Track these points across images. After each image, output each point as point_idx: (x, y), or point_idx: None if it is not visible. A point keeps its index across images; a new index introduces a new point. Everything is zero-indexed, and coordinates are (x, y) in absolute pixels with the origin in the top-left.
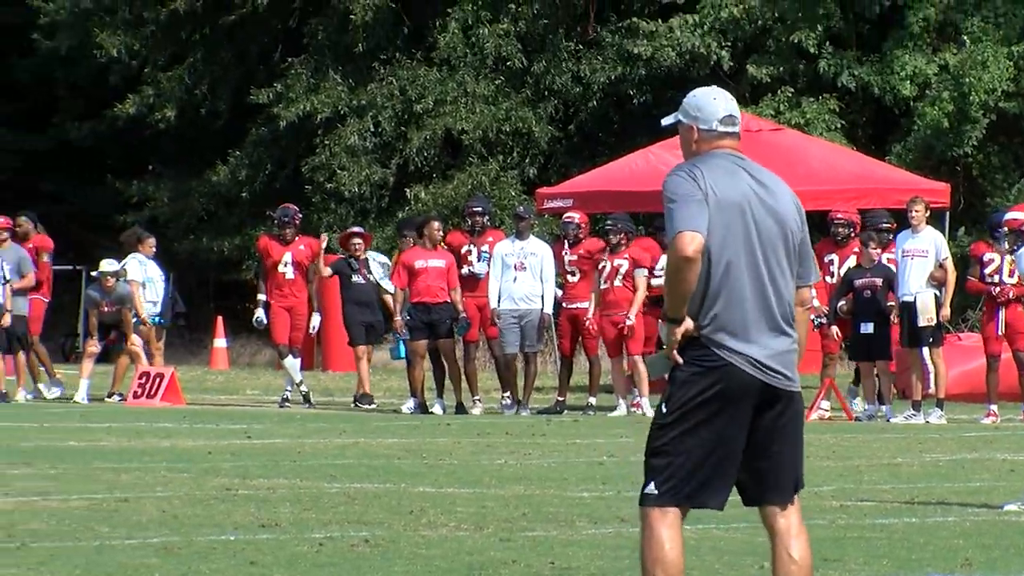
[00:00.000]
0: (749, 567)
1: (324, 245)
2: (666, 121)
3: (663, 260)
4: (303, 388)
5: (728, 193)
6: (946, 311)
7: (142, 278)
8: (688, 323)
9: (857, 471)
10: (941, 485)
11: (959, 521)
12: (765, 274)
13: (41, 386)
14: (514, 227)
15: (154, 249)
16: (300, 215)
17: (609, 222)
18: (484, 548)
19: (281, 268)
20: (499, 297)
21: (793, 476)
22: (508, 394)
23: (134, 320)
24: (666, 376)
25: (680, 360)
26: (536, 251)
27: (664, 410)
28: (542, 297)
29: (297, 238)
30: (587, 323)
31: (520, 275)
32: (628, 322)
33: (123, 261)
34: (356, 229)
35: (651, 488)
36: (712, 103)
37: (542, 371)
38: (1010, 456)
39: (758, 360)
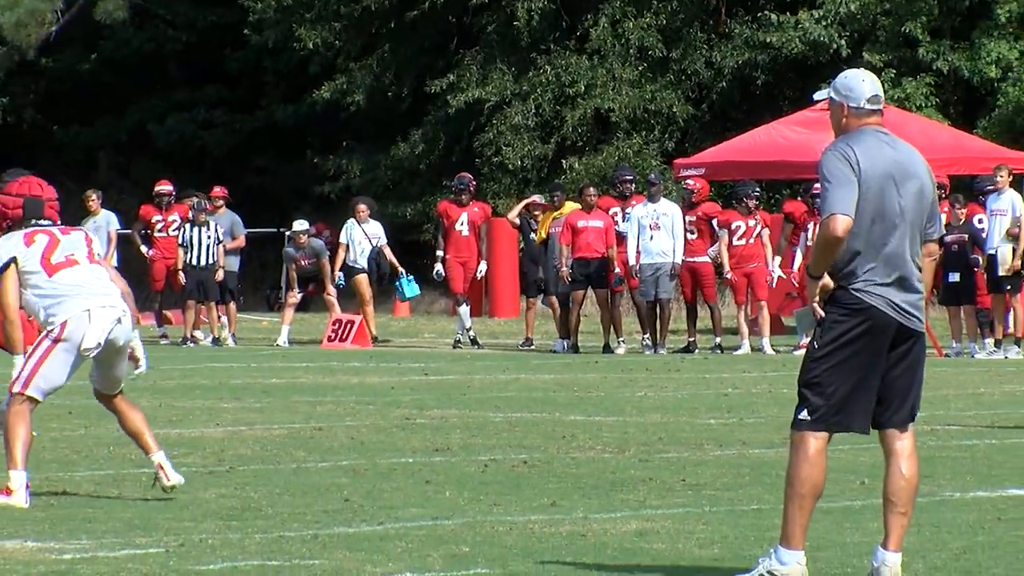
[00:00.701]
0: (851, 483)
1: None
2: (819, 96)
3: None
4: (471, 332)
5: (877, 165)
6: (1018, 262)
7: (345, 240)
8: (827, 280)
9: (945, 400)
10: (1018, 411)
11: None
12: (904, 233)
13: (198, 332)
14: (647, 192)
15: (366, 214)
16: (475, 183)
17: (747, 189)
18: (625, 468)
19: (458, 227)
20: (638, 254)
21: (912, 405)
22: (647, 336)
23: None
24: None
25: (822, 313)
26: (667, 212)
27: (816, 346)
28: (674, 251)
29: (472, 202)
30: (727, 275)
31: (655, 233)
32: (776, 274)
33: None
34: (538, 200)
35: (804, 414)
36: (861, 84)
37: (674, 316)
38: None
39: (896, 303)
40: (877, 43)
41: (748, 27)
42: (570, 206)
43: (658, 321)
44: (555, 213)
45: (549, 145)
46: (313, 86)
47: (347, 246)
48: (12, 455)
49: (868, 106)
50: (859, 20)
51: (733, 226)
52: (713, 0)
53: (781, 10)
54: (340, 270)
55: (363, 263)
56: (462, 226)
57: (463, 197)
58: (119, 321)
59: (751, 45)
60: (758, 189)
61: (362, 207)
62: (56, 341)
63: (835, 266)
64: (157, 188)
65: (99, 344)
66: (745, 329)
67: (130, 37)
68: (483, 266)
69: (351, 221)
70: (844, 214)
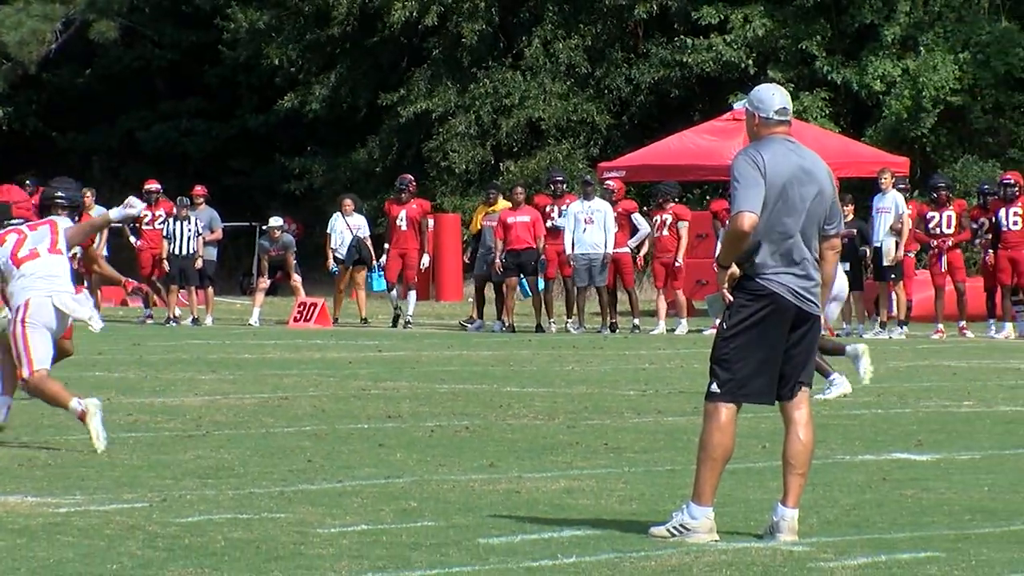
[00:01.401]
0: (754, 447)
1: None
2: (737, 105)
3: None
4: (397, 311)
5: (781, 169)
6: (900, 253)
7: (330, 230)
8: (735, 269)
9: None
10: (901, 385)
11: (914, 412)
12: (804, 229)
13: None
14: (582, 191)
15: (351, 208)
16: (414, 183)
17: (664, 188)
18: (555, 433)
19: (398, 222)
20: (572, 245)
21: (807, 378)
22: (575, 319)
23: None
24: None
25: (731, 298)
26: (600, 208)
27: (725, 327)
28: (605, 243)
29: (411, 200)
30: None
31: (589, 227)
32: (677, 264)
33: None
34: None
35: (715, 387)
36: (771, 97)
37: (591, 299)
38: (952, 363)
39: (795, 290)
40: (779, 62)
41: (664, 48)
42: (503, 203)
43: (594, 304)
44: (488, 209)
45: (487, 150)
46: (279, 97)
47: (330, 235)
48: (61, 400)
49: (776, 117)
50: (764, 42)
51: (654, 220)
52: (632, 23)
53: (694, 34)
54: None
55: (343, 252)
56: (401, 221)
57: (403, 195)
58: (63, 303)
59: (666, 64)
60: (676, 187)
61: (348, 201)
62: (22, 322)
63: (742, 256)
64: (146, 187)
65: (53, 321)
66: (662, 311)
67: (121, 54)
68: (426, 259)
69: (337, 214)
70: (751, 211)
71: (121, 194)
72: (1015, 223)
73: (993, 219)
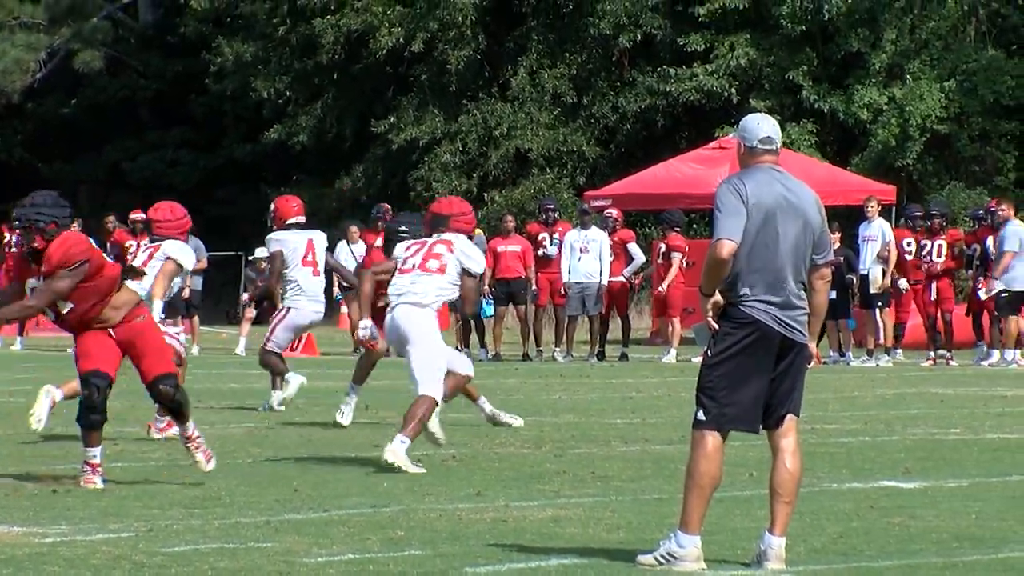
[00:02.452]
0: (741, 475)
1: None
2: (731, 135)
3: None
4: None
5: (764, 199)
6: (887, 281)
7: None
8: (718, 297)
9: (824, 402)
10: (888, 412)
11: (901, 439)
12: (787, 258)
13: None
14: (579, 220)
15: (357, 235)
16: (390, 212)
17: (662, 216)
18: (542, 462)
19: (374, 251)
20: (568, 273)
21: (795, 407)
22: (563, 347)
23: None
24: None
25: (716, 326)
26: (596, 238)
27: (711, 354)
28: (600, 273)
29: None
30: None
31: (584, 256)
32: (660, 289)
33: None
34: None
35: (701, 415)
36: (757, 127)
37: (581, 326)
38: (940, 390)
39: (780, 318)
40: (763, 91)
41: (649, 76)
42: (477, 232)
43: (585, 333)
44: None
45: (473, 180)
46: (266, 128)
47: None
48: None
49: (761, 146)
50: (748, 72)
51: (657, 248)
52: (617, 53)
53: (678, 63)
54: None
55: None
56: (378, 248)
57: (378, 224)
58: None
59: (652, 92)
60: (678, 215)
61: (353, 229)
62: None
63: (726, 285)
64: (131, 216)
65: None
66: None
67: (106, 84)
68: None
69: (342, 242)
70: (730, 239)
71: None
72: None
73: (981, 246)
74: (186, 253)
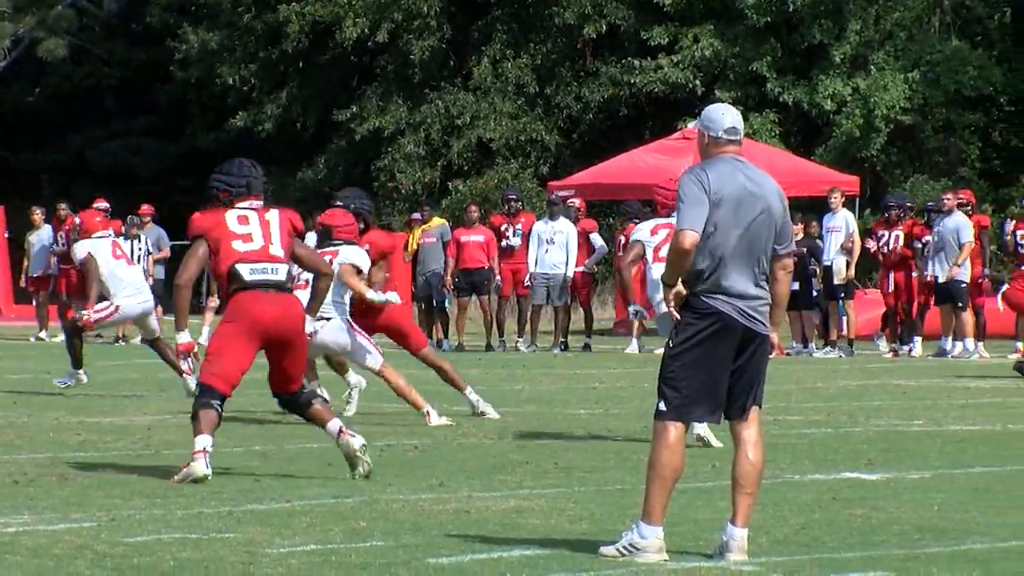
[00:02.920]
0: (703, 466)
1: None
2: (691, 124)
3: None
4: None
5: (727, 189)
6: (851, 272)
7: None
8: (680, 288)
9: (787, 393)
10: (850, 403)
11: (864, 431)
12: (749, 249)
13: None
14: (548, 211)
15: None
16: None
17: (621, 207)
18: (504, 452)
19: None
20: (535, 263)
21: (756, 397)
22: (526, 337)
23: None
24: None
25: (678, 316)
26: (563, 229)
27: (672, 345)
28: (566, 264)
29: None
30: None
31: (551, 248)
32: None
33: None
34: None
35: (662, 406)
36: (721, 117)
37: (544, 317)
38: (903, 382)
39: (741, 308)
40: (727, 82)
41: (613, 67)
42: (436, 221)
43: (551, 324)
44: (423, 226)
45: (436, 170)
46: (231, 116)
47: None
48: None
49: (725, 136)
50: (712, 63)
51: (618, 239)
52: (581, 42)
53: (644, 54)
54: None
55: None
56: None
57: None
58: None
59: (616, 83)
60: (635, 205)
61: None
62: None
63: (689, 275)
64: (94, 205)
65: None
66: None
67: (70, 73)
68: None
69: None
70: (692, 230)
71: (72, 212)
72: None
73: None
74: (363, 257)
